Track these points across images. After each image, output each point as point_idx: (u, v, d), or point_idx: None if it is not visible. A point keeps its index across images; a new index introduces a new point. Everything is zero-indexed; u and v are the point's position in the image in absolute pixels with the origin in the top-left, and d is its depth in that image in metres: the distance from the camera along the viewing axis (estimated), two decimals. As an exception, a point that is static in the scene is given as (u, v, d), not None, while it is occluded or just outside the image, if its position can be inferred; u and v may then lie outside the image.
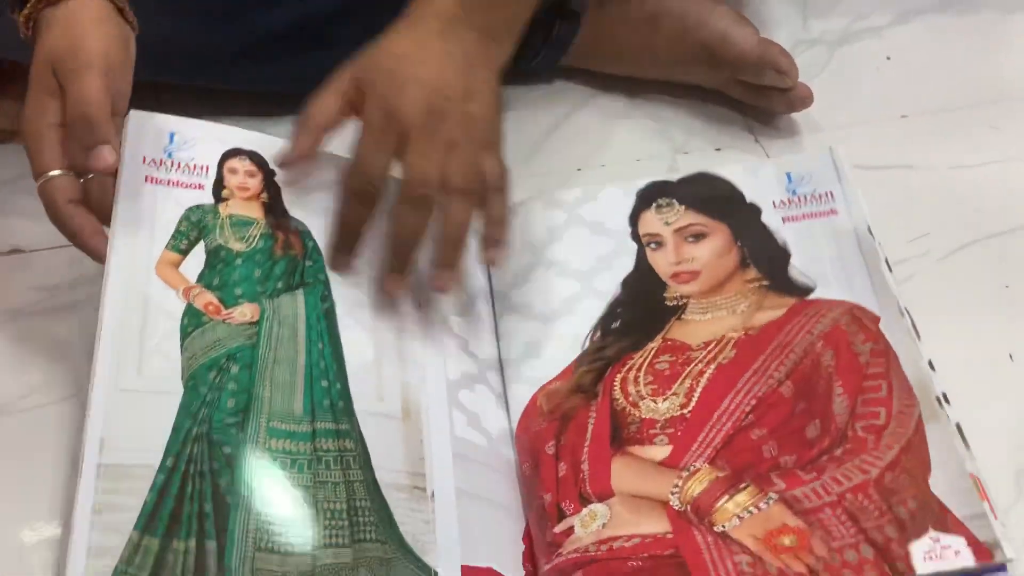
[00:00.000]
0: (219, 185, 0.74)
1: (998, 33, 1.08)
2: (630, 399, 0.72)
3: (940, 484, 0.62)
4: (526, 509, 0.71)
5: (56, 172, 0.68)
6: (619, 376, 0.74)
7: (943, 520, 0.61)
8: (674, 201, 0.81)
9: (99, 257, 0.69)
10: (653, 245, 0.80)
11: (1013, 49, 1.06)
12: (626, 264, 0.80)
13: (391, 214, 0.71)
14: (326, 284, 0.73)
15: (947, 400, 0.65)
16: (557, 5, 0.97)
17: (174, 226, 0.71)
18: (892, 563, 0.60)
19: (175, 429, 0.63)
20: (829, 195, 0.77)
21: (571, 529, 0.67)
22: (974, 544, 0.60)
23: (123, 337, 0.65)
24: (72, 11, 0.68)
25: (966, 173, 0.95)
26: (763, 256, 0.77)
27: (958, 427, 0.63)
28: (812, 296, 0.74)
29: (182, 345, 0.67)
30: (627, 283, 0.79)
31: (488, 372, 0.77)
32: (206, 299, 0.69)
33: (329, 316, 0.72)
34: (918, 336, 0.67)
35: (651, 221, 0.81)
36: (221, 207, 0.73)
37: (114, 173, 0.69)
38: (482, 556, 0.66)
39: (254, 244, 0.72)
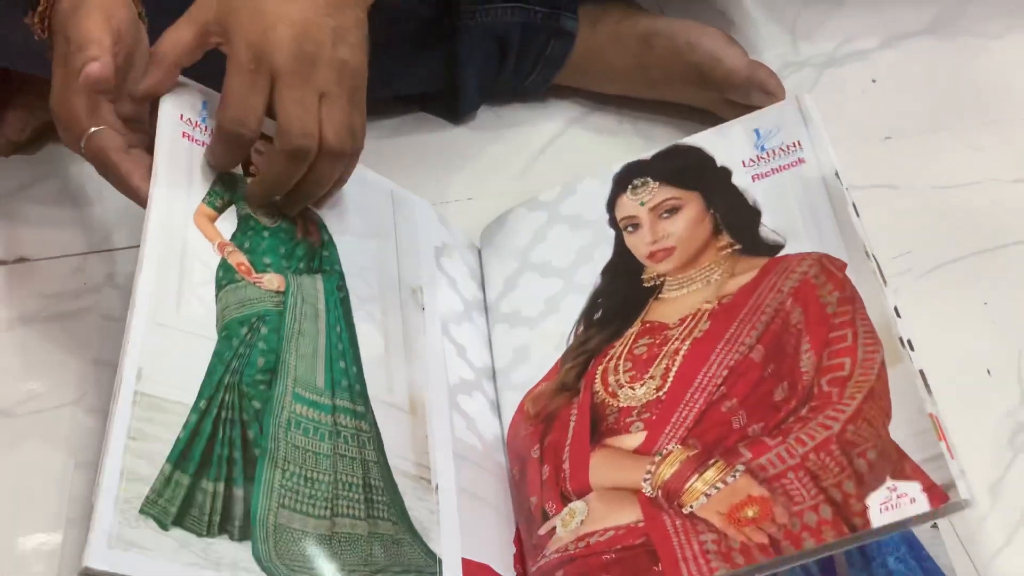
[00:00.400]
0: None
1: (981, 58, 1.09)
2: (609, 389, 0.72)
3: (899, 429, 0.61)
4: (516, 514, 0.72)
5: (94, 128, 0.67)
6: (600, 368, 0.74)
7: (900, 467, 0.59)
8: (648, 179, 0.80)
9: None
10: (630, 228, 0.79)
11: (995, 73, 1.08)
12: (605, 253, 0.79)
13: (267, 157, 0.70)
14: (340, 275, 0.74)
15: (911, 346, 0.63)
16: (551, 25, 0.99)
17: (209, 184, 0.70)
18: (850, 521, 0.59)
19: (209, 373, 0.62)
20: (797, 145, 0.75)
21: (554, 530, 0.68)
22: (929, 488, 0.58)
23: (162, 273, 0.64)
24: None
25: (948, 193, 0.97)
26: (734, 220, 0.76)
27: (921, 372, 0.62)
28: (782, 252, 0.72)
29: (216, 296, 0.67)
30: (607, 271, 0.79)
31: (483, 380, 0.78)
32: (239, 258, 0.69)
33: (345, 304, 0.73)
34: (884, 280, 0.66)
35: (627, 204, 0.80)
36: (249, 180, 0.73)
37: (152, 127, 0.69)
38: (481, 553, 0.68)
39: (279, 222, 0.72)
